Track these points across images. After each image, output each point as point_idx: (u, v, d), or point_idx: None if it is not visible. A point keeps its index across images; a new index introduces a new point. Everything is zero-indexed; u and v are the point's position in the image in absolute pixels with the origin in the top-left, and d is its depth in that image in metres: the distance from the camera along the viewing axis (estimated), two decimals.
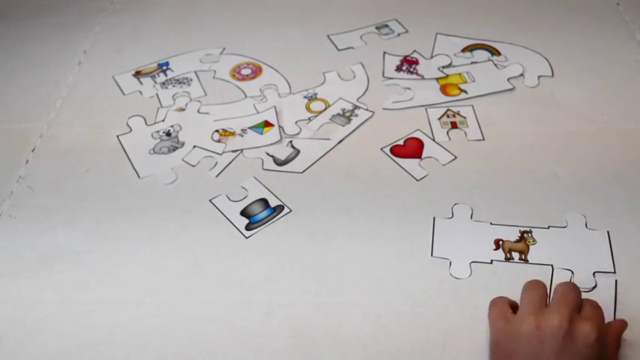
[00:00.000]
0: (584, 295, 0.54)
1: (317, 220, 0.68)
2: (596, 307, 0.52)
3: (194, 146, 0.77)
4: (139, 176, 0.74)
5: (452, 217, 0.67)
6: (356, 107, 0.81)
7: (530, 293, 0.53)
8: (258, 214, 0.68)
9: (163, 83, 0.86)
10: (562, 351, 0.48)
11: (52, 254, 0.66)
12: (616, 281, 0.60)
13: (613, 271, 0.61)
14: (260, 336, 0.58)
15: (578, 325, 0.49)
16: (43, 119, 0.81)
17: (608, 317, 0.57)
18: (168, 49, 0.92)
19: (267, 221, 0.68)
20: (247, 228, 0.67)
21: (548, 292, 0.54)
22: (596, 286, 0.60)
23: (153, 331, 0.59)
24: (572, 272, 0.61)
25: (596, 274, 0.61)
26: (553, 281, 0.60)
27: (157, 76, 0.88)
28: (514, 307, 0.55)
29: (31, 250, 0.67)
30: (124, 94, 0.85)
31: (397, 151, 0.75)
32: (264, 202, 0.69)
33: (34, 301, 0.62)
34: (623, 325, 0.55)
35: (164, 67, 0.89)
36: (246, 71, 0.88)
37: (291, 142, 0.77)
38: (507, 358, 0.50)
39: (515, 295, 0.58)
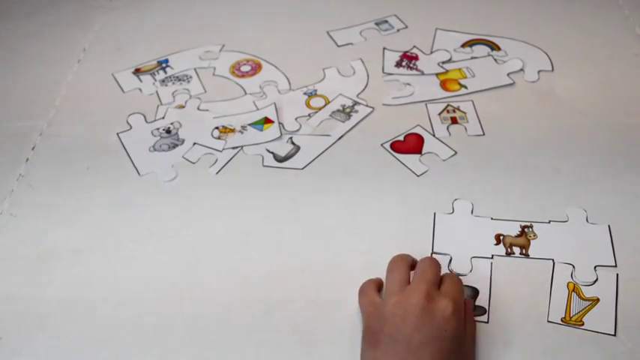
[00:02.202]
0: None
1: (317, 216, 0.68)
2: (455, 282, 0.55)
3: (194, 143, 0.77)
4: (139, 174, 0.74)
5: (452, 212, 0.67)
6: (356, 103, 0.81)
7: (392, 275, 0.56)
8: None
9: (163, 80, 0.86)
10: (422, 325, 0.50)
11: (52, 252, 0.66)
12: (617, 275, 0.60)
13: (614, 264, 0.61)
14: (261, 332, 0.58)
15: (436, 300, 0.52)
16: (43, 117, 0.81)
17: (610, 312, 0.57)
18: (168, 47, 0.92)
19: None
20: None
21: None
22: (597, 279, 0.60)
23: (154, 328, 0.59)
24: (574, 266, 0.61)
25: (597, 268, 0.61)
26: (554, 276, 0.60)
27: (156, 73, 0.88)
28: (381, 286, 0.58)
29: (31, 248, 0.67)
30: (123, 91, 0.85)
31: (397, 147, 0.75)
32: (472, 292, 0.60)
33: (34, 298, 0.62)
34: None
35: (164, 65, 0.89)
36: (245, 68, 0.88)
37: (291, 138, 0.77)
38: (375, 337, 0.52)
39: (514, 291, 0.58)
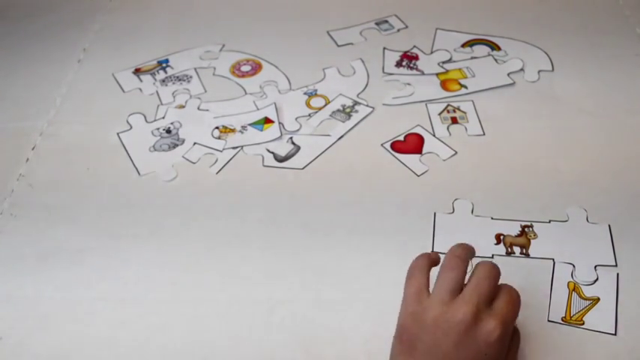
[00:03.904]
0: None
1: (318, 216, 0.68)
2: (510, 301, 0.50)
3: (194, 143, 0.77)
4: (139, 173, 0.74)
5: (452, 212, 0.67)
6: (356, 103, 0.81)
7: (447, 275, 0.51)
8: None
9: (163, 80, 0.86)
10: (462, 345, 0.47)
11: (52, 252, 0.66)
12: (617, 274, 0.60)
13: (614, 264, 0.61)
14: (261, 332, 0.58)
15: (483, 321, 0.48)
16: (44, 117, 0.81)
17: (610, 311, 0.57)
18: (168, 47, 0.92)
19: None
20: None
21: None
22: (597, 279, 0.60)
23: (154, 328, 0.59)
24: (574, 266, 0.61)
25: (597, 267, 0.61)
26: (554, 276, 0.60)
27: (156, 73, 0.88)
28: (436, 263, 0.54)
29: (31, 248, 0.67)
30: (123, 91, 0.85)
31: (397, 147, 0.75)
32: None
33: (35, 299, 0.62)
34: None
35: (164, 65, 0.89)
36: (245, 68, 0.88)
37: (291, 138, 0.77)
38: (411, 342, 0.49)
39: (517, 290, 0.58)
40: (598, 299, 0.58)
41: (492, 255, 0.62)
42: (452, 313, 0.48)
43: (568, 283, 0.60)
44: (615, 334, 0.56)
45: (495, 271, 0.51)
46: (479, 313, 0.48)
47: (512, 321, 0.50)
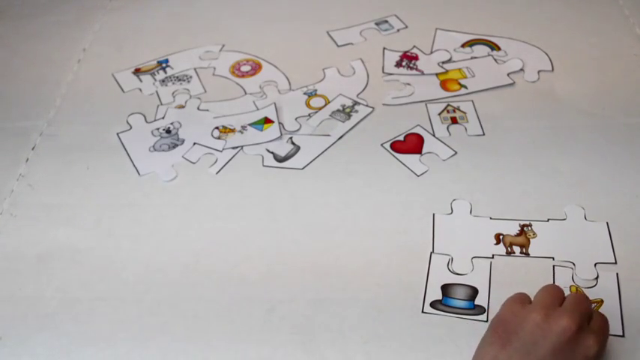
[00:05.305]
0: (592, 293, 0.55)
1: (317, 216, 0.68)
2: (605, 322, 0.52)
3: (194, 143, 0.77)
4: (139, 174, 0.74)
5: (451, 212, 0.67)
6: (356, 103, 0.81)
7: (547, 289, 0.53)
8: (456, 300, 0.60)
9: (163, 80, 0.86)
10: (560, 352, 0.48)
11: (52, 252, 0.66)
12: (617, 275, 0.60)
13: (614, 261, 0.61)
14: (261, 332, 0.58)
15: (584, 335, 0.49)
16: (43, 117, 0.81)
17: (616, 313, 0.57)
18: (168, 47, 0.92)
19: (459, 313, 0.58)
20: (432, 304, 0.59)
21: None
22: (598, 277, 0.60)
23: (154, 328, 0.59)
24: (574, 264, 0.61)
25: (597, 265, 0.61)
26: (555, 279, 0.60)
27: (156, 73, 0.88)
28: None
29: (31, 248, 0.67)
30: (123, 91, 0.85)
31: (397, 147, 0.75)
32: (471, 291, 0.60)
33: (35, 298, 0.62)
34: None
35: (164, 65, 0.89)
36: (245, 68, 0.88)
37: (291, 138, 0.77)
38: (506, 335, 0.49)
39: (517, 290, 0.58)
40: (602, 301, 0.58)
41: (492, 255, 0.62)
42: (555, 319, 0.49)
43: (570, 286, 0.59)
44: (623, 336, 0.56)
45: (588, 298, 0.53)
46: (582, 326, 0.49)
47: (606, 341, 0.51)
